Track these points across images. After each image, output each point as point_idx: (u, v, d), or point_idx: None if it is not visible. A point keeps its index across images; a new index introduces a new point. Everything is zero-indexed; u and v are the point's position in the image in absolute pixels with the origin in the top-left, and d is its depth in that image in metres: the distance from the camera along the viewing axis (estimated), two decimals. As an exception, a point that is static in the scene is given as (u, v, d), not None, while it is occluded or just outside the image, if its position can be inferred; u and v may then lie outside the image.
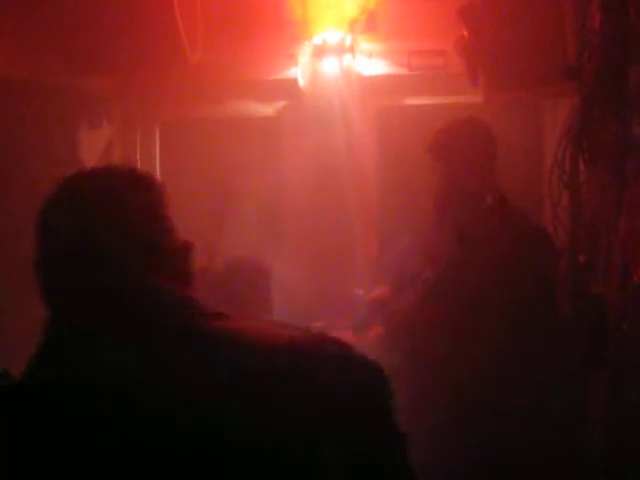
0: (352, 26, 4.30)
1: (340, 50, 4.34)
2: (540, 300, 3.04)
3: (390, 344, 3.57)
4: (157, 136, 4.76)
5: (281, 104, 4.58)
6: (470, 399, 3.11)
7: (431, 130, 4.04)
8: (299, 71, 4.41)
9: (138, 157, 4.74)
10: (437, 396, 3.19)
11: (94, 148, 4.54)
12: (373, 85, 4.41)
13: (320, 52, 4.35)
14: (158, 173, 4.72)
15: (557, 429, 3.01)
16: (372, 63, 4.39)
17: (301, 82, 4.43)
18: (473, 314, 3.21)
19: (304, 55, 4.42)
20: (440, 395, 3.18)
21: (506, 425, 3.01)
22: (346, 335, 3.90)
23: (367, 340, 3.88)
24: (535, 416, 3.03)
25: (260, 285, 3.52)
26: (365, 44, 4.38)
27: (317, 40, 4.34)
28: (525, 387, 3.06)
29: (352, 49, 4.34)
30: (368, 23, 4.30)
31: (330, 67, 4.40)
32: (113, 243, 1.72)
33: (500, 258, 3.25)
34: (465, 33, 3.78)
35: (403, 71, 4.36)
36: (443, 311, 3.32)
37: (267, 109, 4.60)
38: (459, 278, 3.35)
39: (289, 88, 4.44)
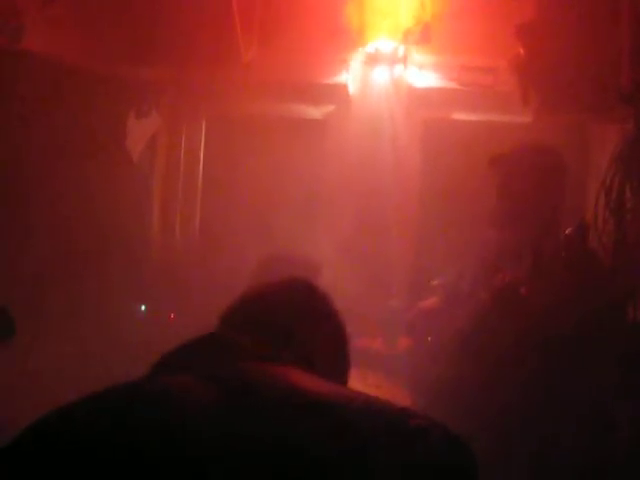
0: (406, 36, 4.32)
1: (392, 59, 4.36)
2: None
3: (438, 357, 3.52)
4: (203, 129, 4.79)
5: (329, 108, 4.60)
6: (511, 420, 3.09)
7: (476, 146, 4.07)
8: (350, 77, 4.43)
9: (182, 148, 4.78)
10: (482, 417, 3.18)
11: (140, 137, 4.58)
12: (422, 97, 4.42)
13: (372, 60, 4.38)
14: (201, 166, 4.76)
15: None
16: (423, 75, 4.40)
17: (351, 88, 4.45)
18: (533, 340, 3.18)
19: (356, 62, 4.44)
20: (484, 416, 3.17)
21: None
22: (375, 343, 3.92)
23: (397, 351, 3.88)
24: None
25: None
26: (417, 55, 4.39)
27: (370, 48, 4.37)
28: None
29: (404, 59, 4.36)
30: (422, 35, 4.31)
31: (381, 76, 4.41)
32: None
33: (571, 294, 3.21)
34: (521, 51, 3.79)
35: (453, 85, 4.36)
36: (502, 333, 3.28)
37: (315, 112, 4.62)
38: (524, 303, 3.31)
39: (338, 93, 4.47)
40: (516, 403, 3.07)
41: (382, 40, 4.35)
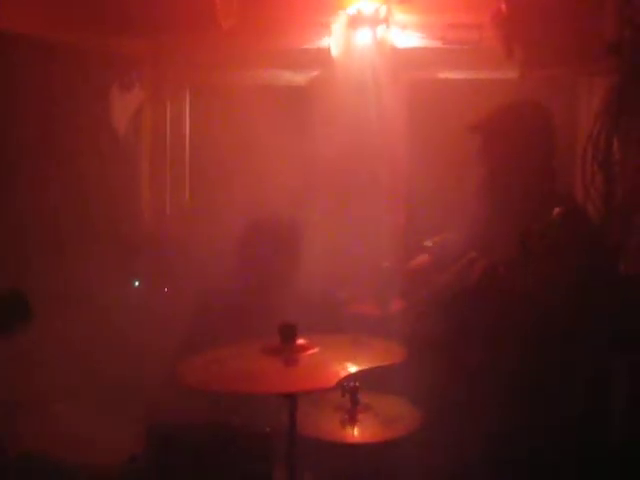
0: (388, -4, 4.26)
1: (374, 21, 4.29)
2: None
3: (430, 316, 3.51)
4: (187, 100, 4.75)
5: (313, 73, 4.54)
6: (503, 383, 3.09)
7: (463, 104, 4.03)
8: (332, 41, 4.37)
9: (168, 120, 4.74)
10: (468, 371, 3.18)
11: (125, 110, 4.54)
12: (406, 57, 4.36)
13: (354, 22, 4.31)
14: (187, 136, 4.73)
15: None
16: (406, 35, 4.34)
17: (334, 52, 4.39)
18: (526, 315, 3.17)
19: (338, 25, 4.37)
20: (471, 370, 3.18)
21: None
22: (368, 308, 3.92)
23: (391, 312, 3.87)
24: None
25: (289, 241, 3.55)
26: (400, 15, 4.32)
27: (351, 10, 4.29)
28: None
29: (387, 20, 4.29)
30: (404, -6, 4.25)
31: (364, 38, 4.34)
32: None
33: (562, 275, 3.18)
34: (503, 6, 3.74)
35: (437, 44, 4.30)
36: (492, 304, 3.27)
37: (299, 78, 4.57)
38: (516, 281, 3.27)
39: (321, 58, 4.41)
40: (506, 364, 3.07)
41: (363, 1, 4.29)
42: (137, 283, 4.30)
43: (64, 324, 3.63)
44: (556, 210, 3.16)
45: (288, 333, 2.66)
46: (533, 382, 3.05)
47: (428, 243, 3.93)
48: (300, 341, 2.67)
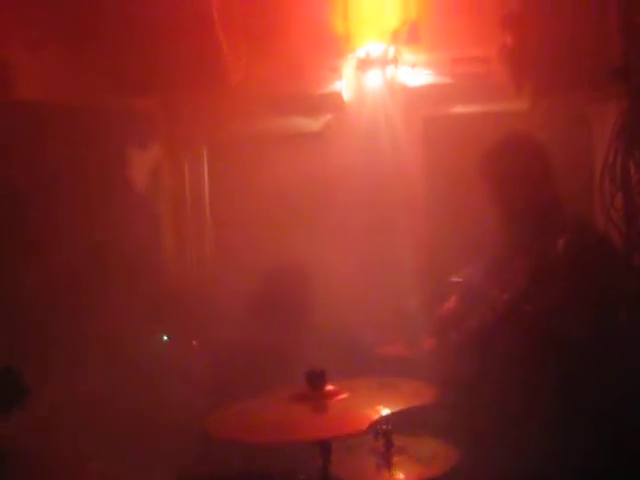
0: (394, 37, 4.32)
1: (383, 62, 4.35)
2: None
3: (460, 358, 3.50)
4: (205, 155, 4.81)
5: (326, 118, 4.58)
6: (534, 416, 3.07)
7: (477, 138, 4.04)
8: (343, 84, 4.43)
9: (187, 175, 4.79)
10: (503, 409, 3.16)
11: (143, 168, 4.60)
12: (417, 95, 4.40)
13: (364, 65, 4.36)
14: (207, 191, 4.77)
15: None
16: (416, 73, 4.38)
17: (345, 95, 4.45)
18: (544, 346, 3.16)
19: (348, 68, 4.43)
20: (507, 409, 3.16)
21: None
22: (396, 349, 3.91)
23: (421, 352, 3.85)
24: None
25: (298, 290, 3.57)
26: (408, 55, 4.37)
27: (360, 53, 4.36)
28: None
29: (395, 60, 4.34)
30: (410, 34, 4.30)
31: (374, 79, 4.40)
32: None
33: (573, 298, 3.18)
34: (509, 40, 3.78)
35: (447, 80, 4.34)
36: (517, 338, 3.26)
37: (313, 123, 4.61)
38: (532, 311, 3.27)
39: (334, 102, 4.47)
40: (539, 401, 3.04)
41: (371, 43, 4.35)
42: (166, 338, 4.32)
43: (94, 382, 3.65)
44: (561, 240, 3.18)
45: (316, 380, 2.65)
46: (569, 415, 3.02)
47: (454, 279, 3.91)
48: (329, 387, 2.66)
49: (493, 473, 2.97)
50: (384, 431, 2.93)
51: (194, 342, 4.27)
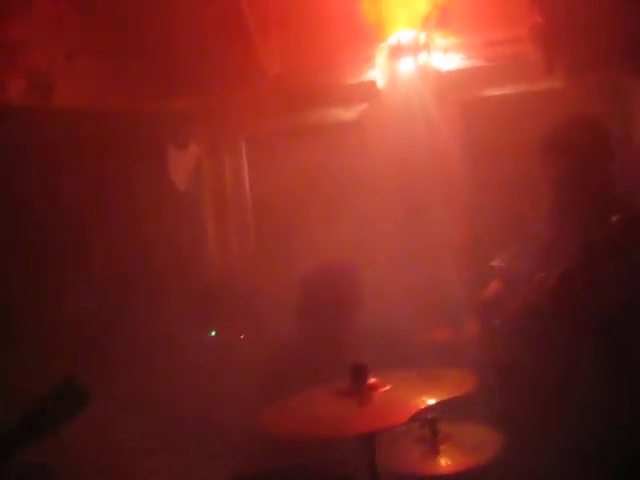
0: (425, 23, 4.31)
1: (415, 48, 4.34)
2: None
3: (503, 342, 3.50)
4: (244, 150, 4.86)
5: (362, 107, 4.60)
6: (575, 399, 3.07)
7: (514, 119, 4.03)
8: (377, 73, 4.44)
9: (227, 171, 4.85)
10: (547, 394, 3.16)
11: (184, 167, 4.68)
12: (451, 80, 4.39)
13: (396, 52, 4.36)
14: (247, 185, 4.83)
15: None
16: (448, 58, 4.38)
17: (380, 83, 4.46)
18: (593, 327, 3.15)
19: (381, 56, 4.43)
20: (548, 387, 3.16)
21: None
22: (442, 334, 3.93)
23: (465, 337, 3.87)
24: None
25: (347, 289, 3.61)
26: (440, 40, 4.36)
27: (392, 40, 4.36)
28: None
29: (427, 46, 4.34)
30: (440, 19, 4.29)
31: (407, 66, 4.40)
32: None
33: (628, 278, 3.16)
34: (539, 19, 3.75)
35: (479, 63, 4.33)
36: (560, 319, 3.25)
37: (349, 113, 4.63)
38: (578, 291, 3.25)
39: (369, 91, 4.48)
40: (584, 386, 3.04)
41: (402, 31, 4.34)
42: (214, 333, 4.39)
43: (147, 379, 3.74)
44: (615, 217, 3.14)
45: (359, 373, 2.69)
46: (615, 401, 3.02)
47: (495, 263, 3.91)
48: (372, 380, 2.70)
49: (538, 458, 2.99)
50: (430, 419, 2.97)
51: (242, 336, 4.35)
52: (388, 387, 2.69)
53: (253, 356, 3.97)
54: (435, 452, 2.95)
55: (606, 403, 2.98)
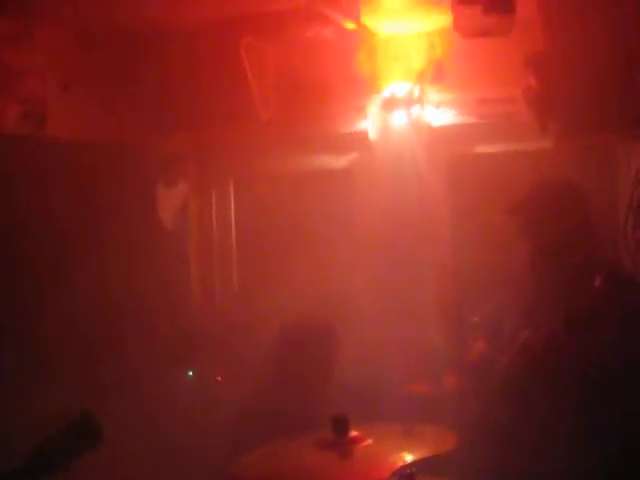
0: (420, 77, 4.36)
1: (409, 102, 4.38)
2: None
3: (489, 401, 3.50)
4: (232, 191, 4.87)
5: (352, 156, 4.64)
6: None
7: (503, 178, 4.07)
8: (369, 124, 4.48)
9: (214, 211, 4.86)
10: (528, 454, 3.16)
11: (171, 204, 4.67)
12: (442, 135, 4.43)
13: (389, 105, 4.40)
14: (233, 227, 4.83)
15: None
16: (441, 113, 4.41)
17: (371, 135, 4.49)
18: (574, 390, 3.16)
19: (373, 108, 4.47)
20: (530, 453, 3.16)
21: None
22: (420, 387, 3.92)
23: (445, 390, 3.86)
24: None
25: (326, 342, 3.61)
26: (433, 94, 4.40)
27: (386, 93, 4.40)
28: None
29: (421, 100, 4.38)
30: (435, 73, 4.34)
31: (399, 119, 4.43)
32: None
33: (609, 345, 3.17)
34: (533, 82, 3.80)
35: (472, 120, 4.37)
36: (543, 382, 3.25)
37: (339, 162, 4.66)
38: (561, 353, 3.26)
39: (360, 141, 4.51)
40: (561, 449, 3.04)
41: (396, 83, 4.39)
42: (191, 373, 4.36)
43: (123, 412, 3.69)
44: (597, 279, 3.16)
45: (341, 426, 2.68)
46: (609, 457, 3.02)
47: (475, 318, 3.93)
48: (353, 433, 2.68)
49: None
50: (408, 474, 2.94)
51: (219, 378, 4.32)
52: (369, 441, 2.68)
53: (229, 399, 3.95)
54: (412, 508, 2.93)
55: (588, 464, 2.98)
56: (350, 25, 3.91)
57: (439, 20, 4.14)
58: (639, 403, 3.05)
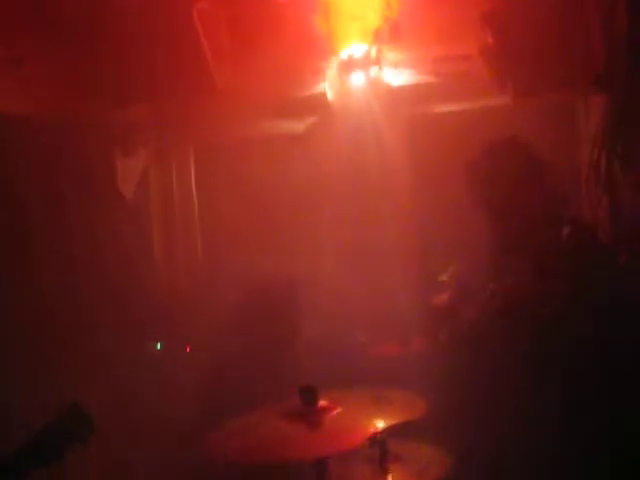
0: (376, 37, 4.31)
1: (366, 63, 4.34)
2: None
3: (453, 353, 3.52)
4: (192, 158, 4.82)
5: (312, 120, 4.59)
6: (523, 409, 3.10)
7: (462, 135, 4.07)
8: (327, 86, 4.42)
9: (174, 179, 4.81)
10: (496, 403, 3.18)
11: (131, 174, 4.61)
12: (401, 95, 4.40)
13: (347, 66, 4.36)
14: (195, 196, 4.79)
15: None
16: (399, 73, 4.38)
17: (330, 97, 4.44)
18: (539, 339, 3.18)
19: (331, 70, 4.42)
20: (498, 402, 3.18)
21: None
22: (389, 348, 3.95)
23: (413, 350, 3.89)
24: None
25: (287, 304, 3.61)
26: (391, 54, 4.36)
27: (343, 54, 4.35)
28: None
29: (378, 61, 4.34)
30: (392, 33, 4.29)
31: (358, 80, 4.39)
32: None
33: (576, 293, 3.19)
34: (490, 40, 3.78)
35: (430, 79, 4.34)
36: (511, 331, 3.27)
37: (298, 125, 4.61)
38: (530, 305, 3.29)
39: (318, 104, 4.45)
40: (530, 403, 3.07)
41: (354, 45, 4.34)
42: (159, 345, 4.34)
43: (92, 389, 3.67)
44: (565, 230, 3.19)
45: (309, 396, 2.68)
46: (570, 416, 3.05)
47: (443, 277, 3.94)
48: (322, 403, 2.69)
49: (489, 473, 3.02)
50: (379, 440, 2.97)
51: (187, 349, 4.30)
52: (338, 410, 2.69)
53: (198, 370, 3.94)
54: (384, 472, 2.96)
55: (559, 415, 3.01)
56: (305, -14, 3.86)
57: (395, -22, 4.09)
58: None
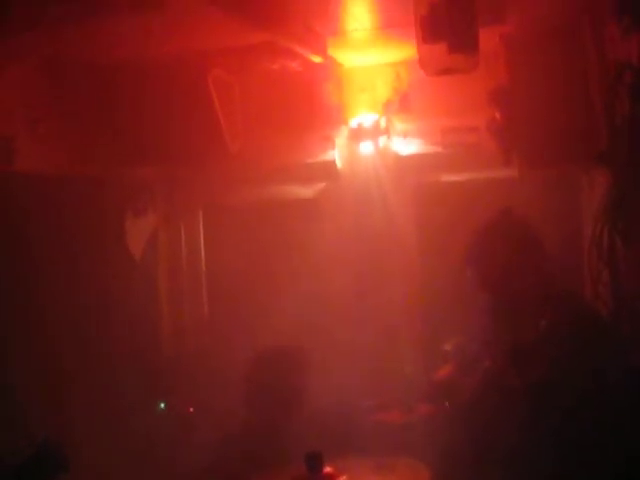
0: (386, 108, 4.44)
1: (375, 132, 4.46)
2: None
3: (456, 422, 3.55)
4: (201, 220, 4.89)
5: (320, 186, 4.68)
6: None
7: (468, 206, 4.14)
8: (337, 154, 4.53)
9: (183, 240, 4.87)
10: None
11: (141, 234, 4.68)
12: (409, 164, 4.50)
13: (356, 135, 4.47)
14: (203, 258, 4.85)
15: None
16: (407, 142, 4.49)
17: (339, 164, 4.55)
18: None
19: (341, 138, 4.54)
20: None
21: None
22: (391, 416, 3.96)
23: (417, 417, 3.91)
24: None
25: (294, 374, 3.64)
26: (400, 124, 4.48)
27: (353, 123, 4.47)
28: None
29: (387, 130, 4.45)
30: (402, 104, 4.43)
31: (367, 148, 4.51)
32: None
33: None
34: (497, 115, 3.88)
35: (438, 149, 4.44)
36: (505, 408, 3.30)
37: (307, 191, 4.70)
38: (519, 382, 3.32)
39: (327, 170, 4.56)
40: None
41: (364, 114, 4.46)
42: (163, 405, 4.36)
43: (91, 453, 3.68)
44: (543, 322, 3.23)
45: (314, 463, 2.71)
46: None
47: (447, 347, 3.97)
48: (327, 469, 2.72)
49: None
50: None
51: (191, 409, 4.32)
52: (343, 478, 2.71)
53: (202, 430, 3.96)
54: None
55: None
56: (317, 58, 3.98)
57: (405, 52, 4.20)
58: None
